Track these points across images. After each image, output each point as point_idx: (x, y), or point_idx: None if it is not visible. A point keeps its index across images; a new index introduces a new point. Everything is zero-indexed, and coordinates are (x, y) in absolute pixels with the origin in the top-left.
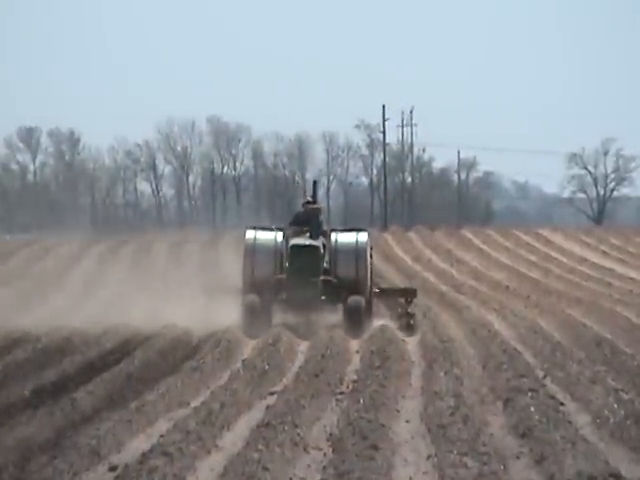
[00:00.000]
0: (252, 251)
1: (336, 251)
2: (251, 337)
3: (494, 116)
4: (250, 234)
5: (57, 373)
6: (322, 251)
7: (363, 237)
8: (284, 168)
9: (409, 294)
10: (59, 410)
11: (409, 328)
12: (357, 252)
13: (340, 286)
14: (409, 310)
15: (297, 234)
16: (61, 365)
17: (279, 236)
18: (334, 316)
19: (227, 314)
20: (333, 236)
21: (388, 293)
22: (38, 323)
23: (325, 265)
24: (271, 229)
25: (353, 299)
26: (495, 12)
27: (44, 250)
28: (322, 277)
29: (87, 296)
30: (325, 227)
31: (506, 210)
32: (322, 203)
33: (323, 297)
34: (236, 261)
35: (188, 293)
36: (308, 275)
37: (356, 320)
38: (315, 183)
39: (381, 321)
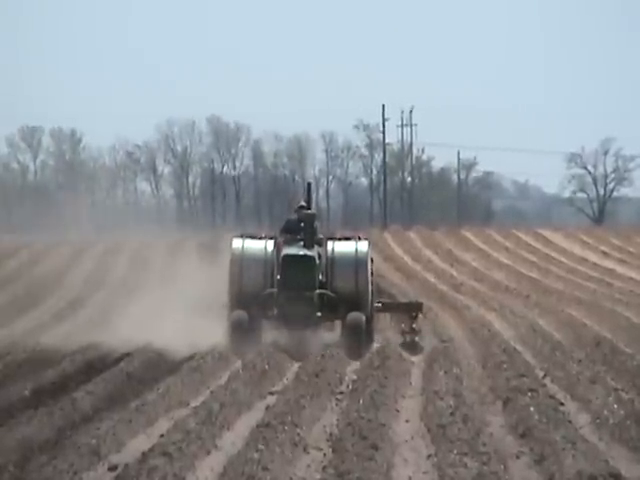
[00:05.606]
0: (239, 262)
1: (333, 262)
2: (238, 356)
3: (494, 116)
4: (237, 243)
5: (57, 373)
6: (318, 262)
7: (363, 246)
8: (284, 168)
9: (414, 309)
10: (59, 410)
11: (413, 345)
12: (357, 263)
13: (338, 301)
14: (414, 326)
15: (290, 243)
16: (60, 365)
17: (270, 245)
18: (331, 334)
19: (212, 332)
20: (330, 245)
21: (391, 308)
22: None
23: (321, 277)
24: (261, 237)
25: (352, 315)
26: (495, 12)
27: (41, 252)
28: (318, 291)
29: (73, 309)
30: (321, 235)
31: (506, 210)
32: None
33: (319, 313)
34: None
35: (171, 307)
36: (302, 289)
37: (356, 339)
38: (309, 185)
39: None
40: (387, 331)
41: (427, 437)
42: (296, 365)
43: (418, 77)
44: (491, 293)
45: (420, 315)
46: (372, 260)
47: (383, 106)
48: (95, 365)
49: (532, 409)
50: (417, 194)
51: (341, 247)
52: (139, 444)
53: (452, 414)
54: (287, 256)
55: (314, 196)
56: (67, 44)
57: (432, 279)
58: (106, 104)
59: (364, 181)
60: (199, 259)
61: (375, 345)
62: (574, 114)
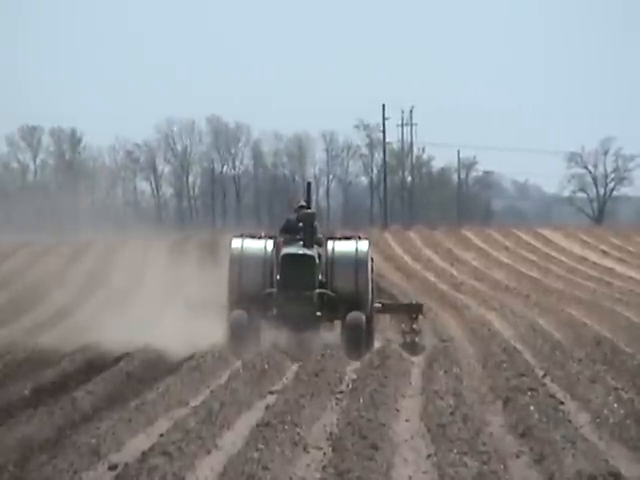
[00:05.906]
0: (239, 262)
1: (333, 262)
2: (238, 357)
3: (494, 116)
4: (236, 243)
5: (57, 373)
6: (317, 261)
7: (364, 246)
8: (284, 168)
9: (414, 310)
10: (59, 409)
11: (414, 346)
12: (357, 263)
13: (338, 301)
14: (414, 326)
15: (289, 242)
16: (60, 365)
17: (269, 245)
18: (331, 334)
19: (211, 332)
20: (330, 245)
21: (391, 309)
22: None
23: (321, 277)
24: (260, 237)
25: (352, 315)
26: (496, 12)
27: (41, 252)
28: (317, 291)
29: (72, 309)
30: (320, 234)
31: (506, 210)
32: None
33: (319, 313)
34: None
35: (171, 307)
36: (302, 288)
37: (356, 339)
38: (309, 185)
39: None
40: (387, 331)
41: (427, 437)
42: (296, 365)
43: (418, 77)
44: (491, 292)
45: (420, 316)
46: (372, 260)
47: (383, 106)
48: (95, 364)
49: (532, 408)
50: (417, 194)
51: (341, 247)
52: (139, 443)
53: (452, 414)
54: (287, 255)
55: (314, 196)
56: (67, 44)
57: (432, 278)
58: (106, 104)
59: (364, 180)
60: (198, 259)
61: (375, 345)
62: (574, 114)
